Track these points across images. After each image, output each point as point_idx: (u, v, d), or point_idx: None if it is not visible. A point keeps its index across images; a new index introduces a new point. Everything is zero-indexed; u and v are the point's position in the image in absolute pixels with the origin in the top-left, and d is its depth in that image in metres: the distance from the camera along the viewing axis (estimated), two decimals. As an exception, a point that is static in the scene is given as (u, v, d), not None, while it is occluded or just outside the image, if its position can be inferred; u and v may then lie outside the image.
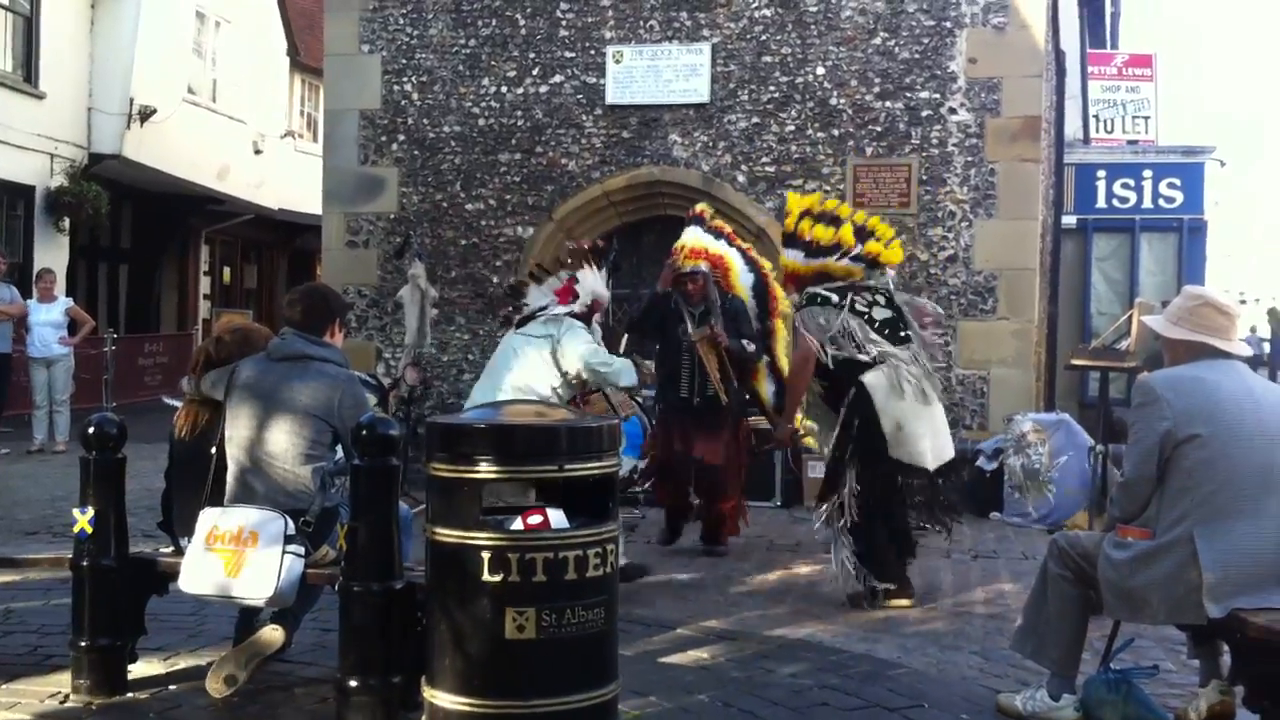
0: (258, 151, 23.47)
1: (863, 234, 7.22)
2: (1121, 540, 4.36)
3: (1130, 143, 17.84)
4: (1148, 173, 16.17)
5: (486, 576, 3.82)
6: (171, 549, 5.32)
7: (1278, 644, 3.85)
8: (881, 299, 7.15)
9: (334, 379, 5.04)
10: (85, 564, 4.98)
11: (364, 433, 4.31)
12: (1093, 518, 9.04)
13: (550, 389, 6.81)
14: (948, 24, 11.14)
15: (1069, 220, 15.70)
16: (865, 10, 11.26)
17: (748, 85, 11.48)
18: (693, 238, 8.24)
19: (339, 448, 5.07)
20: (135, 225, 22.87)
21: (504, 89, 11.93)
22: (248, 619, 5.16)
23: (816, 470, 10.18)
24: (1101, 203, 16.18)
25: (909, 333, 7.09)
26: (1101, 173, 16.16)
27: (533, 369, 6.86)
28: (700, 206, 8.79)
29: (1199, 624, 4.22)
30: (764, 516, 9.62)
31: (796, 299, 7.37)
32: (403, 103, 12.15)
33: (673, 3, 11.60)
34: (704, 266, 8.08)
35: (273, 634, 4.98)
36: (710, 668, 5.32)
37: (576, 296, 7.20)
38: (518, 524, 3.94)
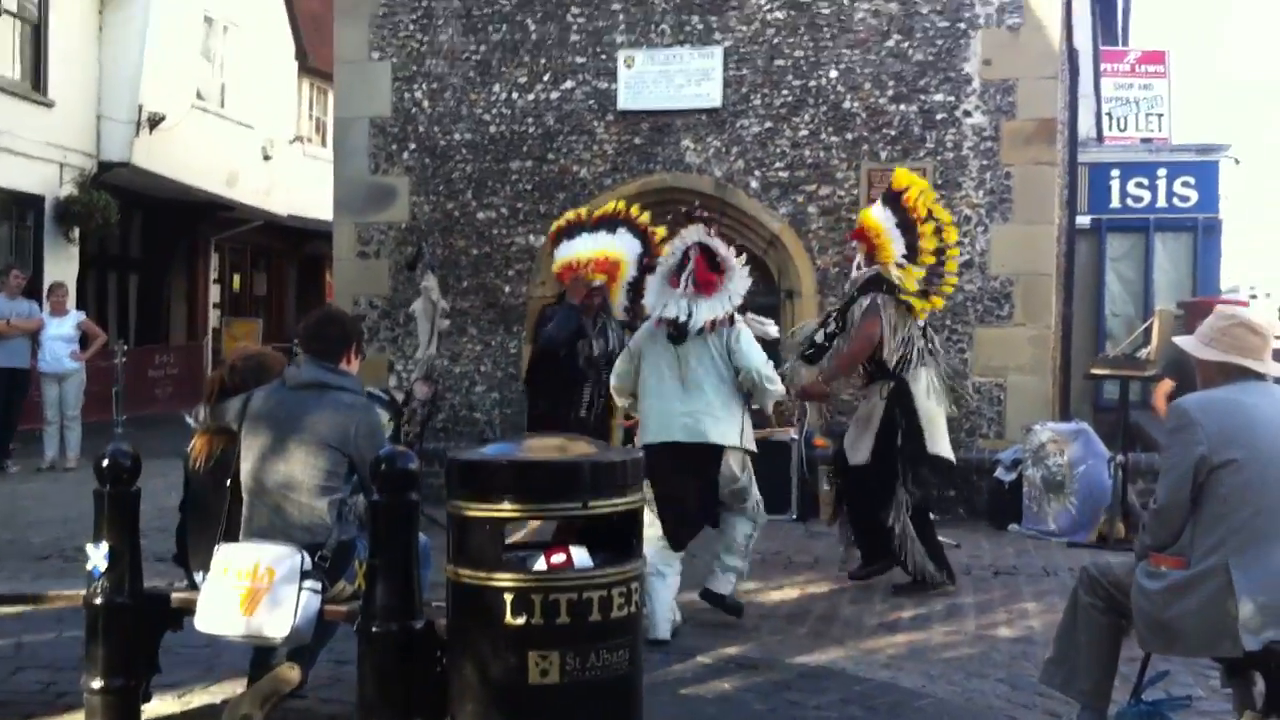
0: (267, 157, 23.41)
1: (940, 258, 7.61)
2: (1154, 569, 4.26)
3: (1144, 141, 17.72)
4: (1162, 171, 16.05)
5: (509, 619, 3.74)
6: (186, 584, 5.24)
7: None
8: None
9: (350, 408, 4.95)
10: (99, 601, 4.90)
11: (383, 467, 4.22)
12: (1112, 528, 8.94)
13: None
14: (962, 25, 11.04)
15: (1083, 220, 15.58)
16: (879, 12, 11.16)
17: (760, 89, 11.39)
18: (599, 247, 7.90)
19: (355, 478, 4.98)
20: (145, 234, 22.82)
21: (515, 95, 11.85)
22: (263, 655, 5.06)
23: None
24: (1116, 202, 16.06)
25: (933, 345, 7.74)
26: (1115, 172, 16.04)
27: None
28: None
29: (1234, 656, 4.12)
30: (780, 531, 9.52)
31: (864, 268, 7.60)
32: (413, 110, 12.08)
33: (684, 6, 11.52)
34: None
35: (288, 672, 4.89)
36: (732, 700, 5.23)
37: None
38: (540, 563, 3.86)
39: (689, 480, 6.37)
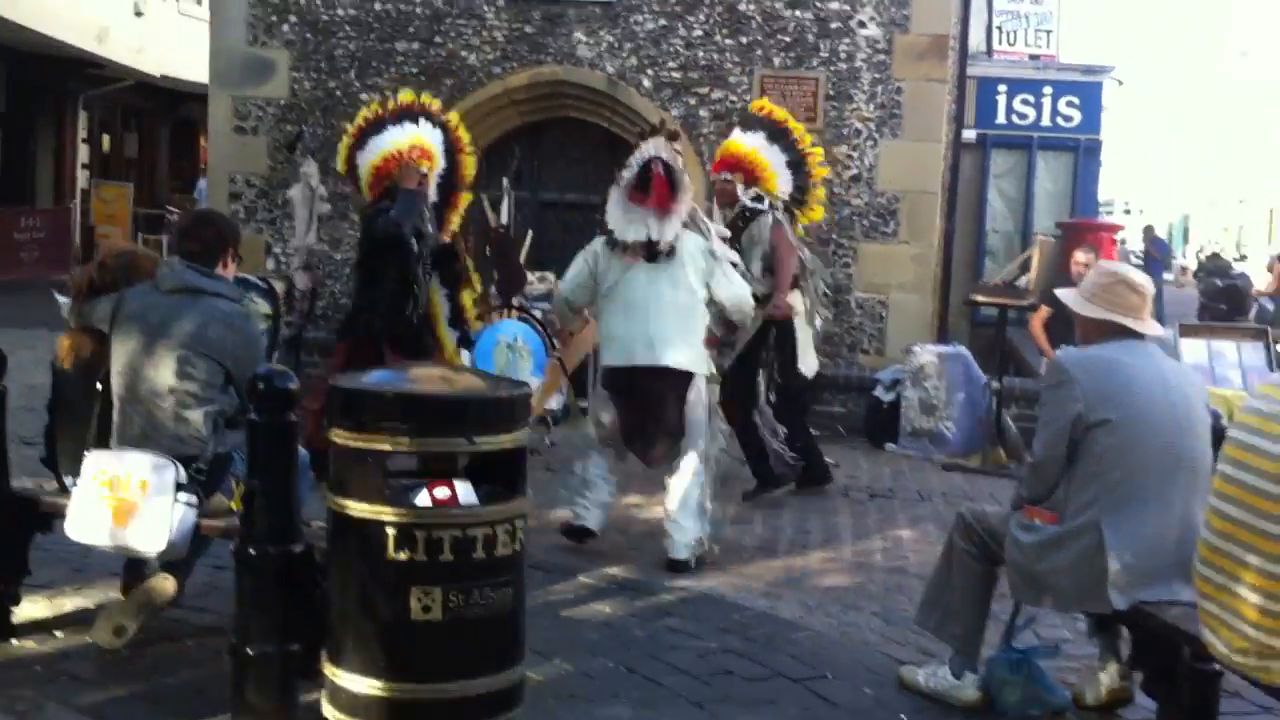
0: (139, 14, 22.45)
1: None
2: (1029, 522, 4.33)
3: (1032, 58, 17.83)
4: (1048, 90, 16.15)
5: (391, 554, 3.67)
6: (56, 486, 5.08)
7: (1179, 639, 3.87)
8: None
9: (227, 315, 4.79)
10: (-37, 503, 4.75)
11: (261, 386, 4.08)
12: (986, 455, 9.14)
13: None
14: (861, -68, 10.91)
15: (969, 135, 15.65)
16: (780, -86, 10.98)
17: (656, -16, 11.17)
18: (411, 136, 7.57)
19: (231, 388, 4.84)
20: (8, 87, 21.84)
21: (403, -27, 11.46)
22: (137, 560, 4.95)
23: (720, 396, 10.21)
24: (1001, 118, 16.14)
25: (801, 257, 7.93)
26: (1002, 88, 16.10)
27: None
28: None
29: (1104, 613, 4.23)
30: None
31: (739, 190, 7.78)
32: (295, -21, 11.61)
33: (583, -110, 11.20)
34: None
35: (163, 583, 4.77)
36: (613, 625, 5.24)
37: None
38: (424, 497, 3.79)
39: (657, 403, 6.29)
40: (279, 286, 9.68)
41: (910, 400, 9.71)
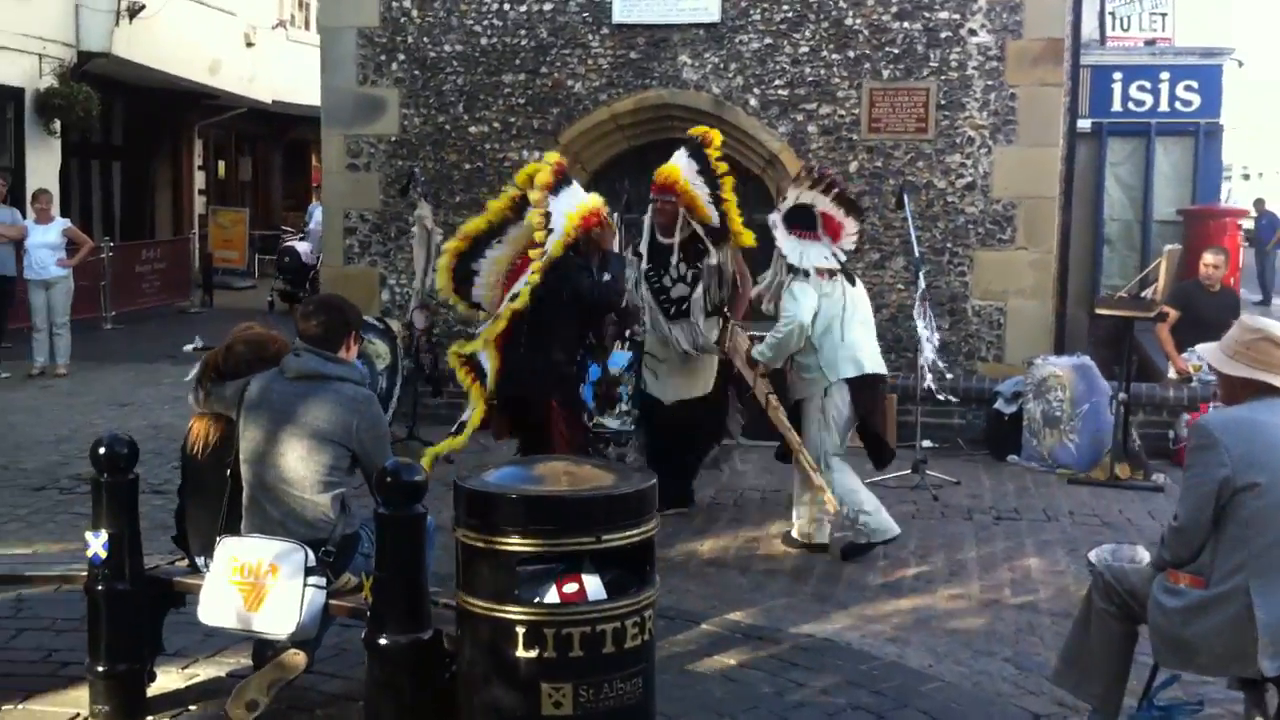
0: (249, 44, 22.94)
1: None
2: (1173, 586, 4.21)
3: (1148, 43, 17.36)
4: (1165, 75, 15.77)
5: (521, 652, 3.70)
6: (187, 563, 5.19)
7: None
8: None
9: (352, 400, 4.83)
10: (100, 588, 4.86)
11: (388, 479, 4.13)
12: (1113, 465, 8.92)
13: None
14: (968, -60, 10.71)
15: (1084, 124, 15.31)
16: (883, -75, 10.82)
17: (760, 4, 11.07)
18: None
19: (358, 469, 4.90)
20: (127, 123, 22.48)
21: (507, 6, 11.51)
22: (266, 637, 5.04)
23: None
24: (1117, 106, 15.80)
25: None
26: (1118, 75, 15.76)
27: None
28: None
29: (1252, 678, 4.10)
30: (776, 462, 9.46)
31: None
32: (402, 20, 11.74)
33: (683, -85, 11.14)
34: None
35: (294, 658, 4.85)
36: (738, 679, 5.21)
37: None
38: (552, 593, 3.79)
39: (880, 406, 7.40)
40: (396, 326, 9.85)
41: (1033, 413, 9.51)
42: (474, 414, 7.48)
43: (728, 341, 7.69)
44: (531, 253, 7.23)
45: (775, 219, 7.33)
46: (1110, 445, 9.03)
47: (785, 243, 7.18)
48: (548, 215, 7.20)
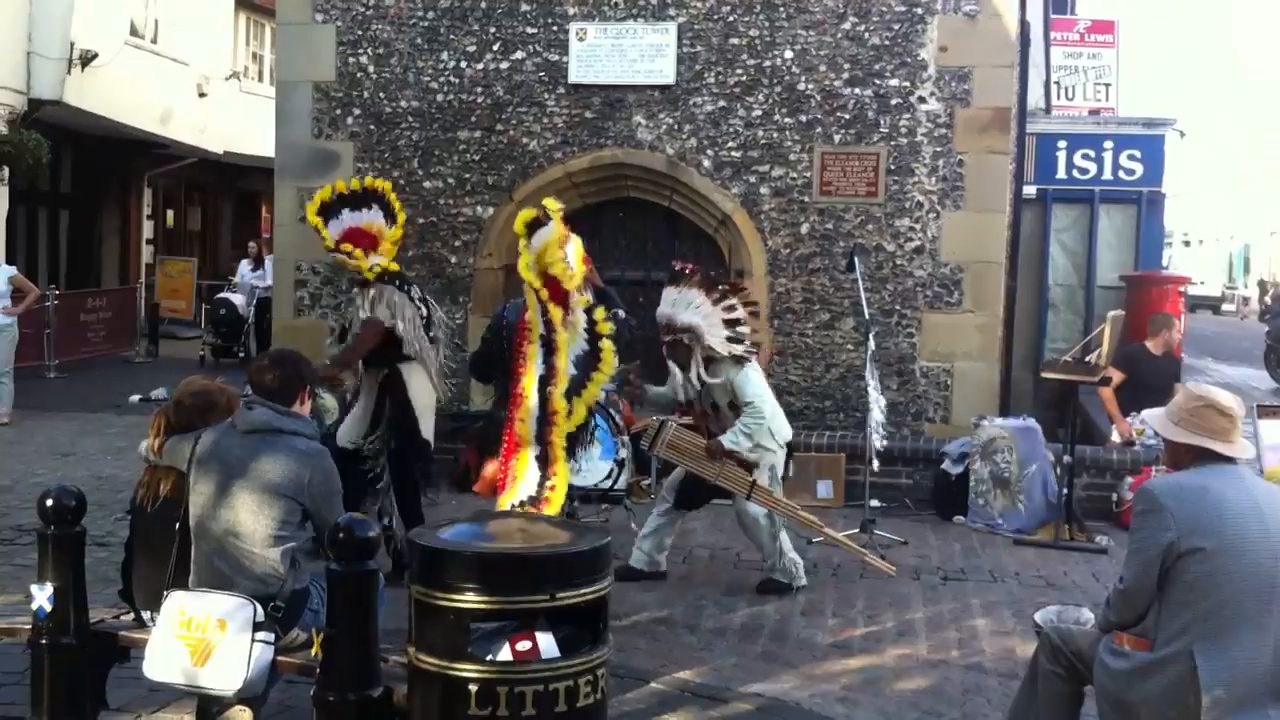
0: (202, 94, 22.91)
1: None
2: (1119, 648, 4.26)
3: (1092, 112, 17.71)
4: (1109, 144, 16.01)
5: (474, 710, 3.69)
6: (132, 617, 5.14)
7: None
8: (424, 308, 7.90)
9: (305, 454, 4.82)
10: (44, 642, 4.81)
11: (340, 535, 4.12)
12: (1057, 530, 9.02)
13: None
14: (919, 10, 10.91)
15: (1029, 190, 15.56)
16: (836, -7, 11.01)
17: (714, 67, 11.21)
18: None
19: (309, 524, 4.87)
20: (76, 171, 22.34)
21: (464, 64, 11.59)
22: (214, 690, 4.98)
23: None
24: (1062, 173, 16.02)
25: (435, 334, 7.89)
26: (1062, 143, 15.98)
27: None
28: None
29: (1196, 740, 4.15)
30: (726, 520, 9.48)
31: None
32: (358, 75, 11.78)
33: (638, -21, 11.29)
34: None
35: (240, 715, 4.82)
36: (687, 742, 5.22)
37: None
38: (505, 651, 3.79)
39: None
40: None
41: (980, 474, 9.60)
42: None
43: (660, 446, 7.69)
44: (581, 297, 6.70)
45: (695, 321, 7.44)
46: (1056, 506, 9.12)
47: (715, 341, 7.44)
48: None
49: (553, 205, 6.90)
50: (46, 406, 14.44)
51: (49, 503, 4.82)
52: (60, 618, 4.81)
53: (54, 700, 4.80)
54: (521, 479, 6.24)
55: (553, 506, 6.40)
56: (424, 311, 7.80)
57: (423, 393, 7.73)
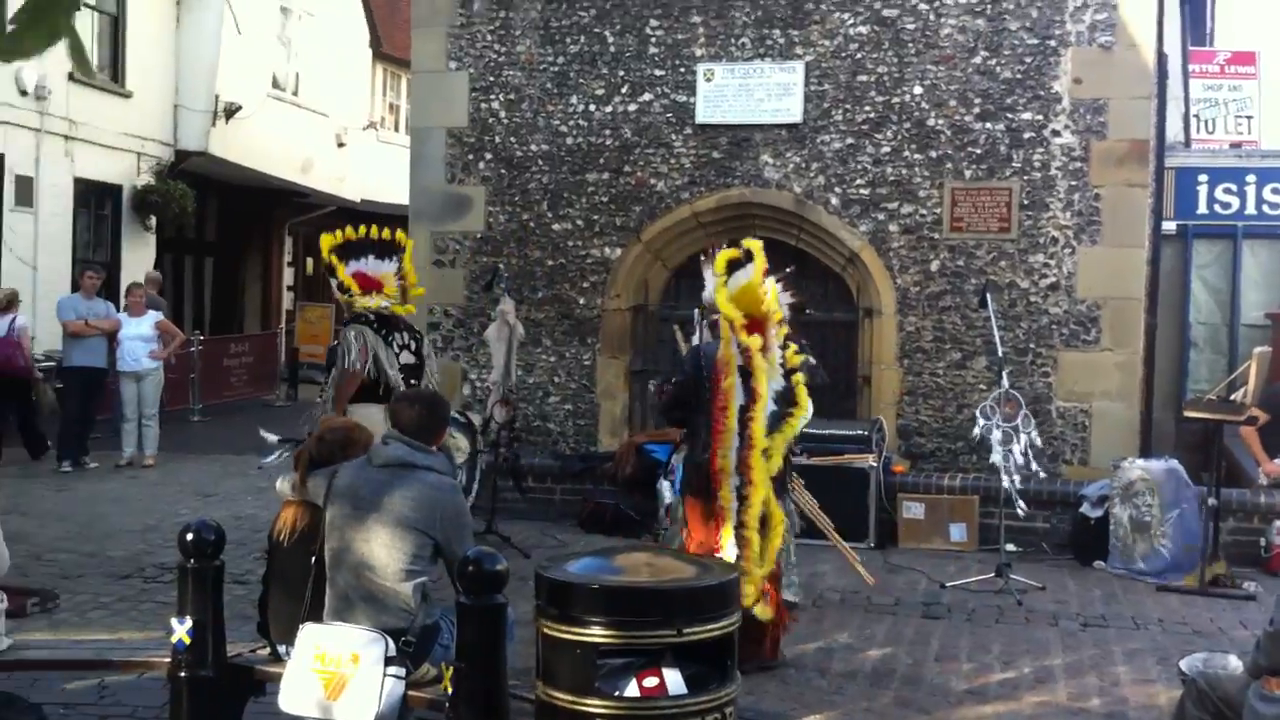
0: (340, 144, 23.52)
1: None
2: (1270, 694, 4.10)
3: (1233, 145, 17.23)
4: (1251, 177, 15.55)
5: (601, 746, 3.66)
6: (268, 651, 5.22)
7: None
8: (413, 344, 8.45)
9: (436, 489, 4.87)
10: (183, 674, 4.90)
11: (470, 568, 4.15)
12: (1204, 572, 8.72)
13: None
14: (1052, 43, 10.75)
15: (1169, 226, 15.18)
16: (965, 28, 10.89)
17: (842, 105, 11.17)
18: None
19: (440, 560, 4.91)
20: (220, 219, 23.05)
21: (592, 107, 11.73)
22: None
23: (912, 510, 10.02)
24: (1203, 208, 15.60)
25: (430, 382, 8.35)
26: (1203, 177, 15.57)
27: None
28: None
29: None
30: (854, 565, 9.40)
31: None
32: (490, 120, 11.99)
33: (765, 20, 11.30)
34: None
35: (373, 749, 4.85)
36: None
37: None
38: (633, 687, 3.76)
39: None
40: (476, 420, 9.93)
41: (1120, 518, 9.33)
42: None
43: None
44: (781, 329, 6.75)
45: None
46: (1201, 551, 8.82)
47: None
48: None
49: (754, 245, 6.94)
50: (190, 448, 14.86)
51: (189, 537, 4.92)
52: (198, 651, 4.90)
53: (192, 731, 4.88)
54: (725, 548, 6.35)
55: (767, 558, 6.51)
56: (397, 354, 8.26)
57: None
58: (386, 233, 8.47)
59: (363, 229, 8.47)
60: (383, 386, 8.07)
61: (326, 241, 8.26)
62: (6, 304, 13.36)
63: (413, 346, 8.39)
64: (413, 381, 8.17)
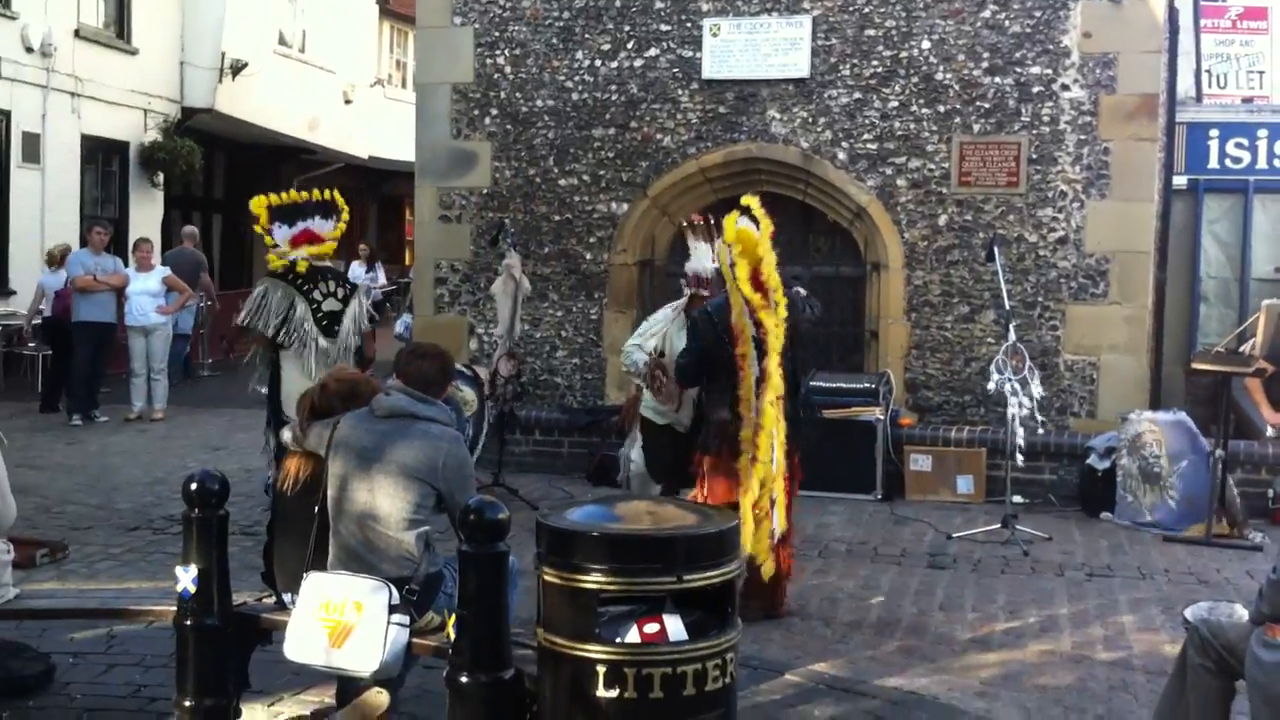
0: (348, 101, 23.45)
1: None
2: (1272, 640, 4.10)
3: (1245, 100, 17.07)
4: (1262, 132, 15.43)
5: (601, 692, 3.69)
6: (275, 601, 5.25)
7: None
8: (341, 292, 8.48)
9: (439, 439, 4.88)
10: (189, 623, 4.92)
11: (471, 517, 4.15)
12: (1210, 527, 8.72)
13: None
14: (1061, -4, 10.66)
15: (1180, 181, 15.09)
16: (974, -18, 10.81)
17: (849, 59, 11.09)
18: None
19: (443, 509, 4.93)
20: (227, 176, 23.03)
21: (598, 63, 11.66)
22: (352, 672, 5.05)
23: (919, 463, 10.03)
24: (1214, 163, 15.50)
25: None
26: (1214, 132, 15.46)
27: None
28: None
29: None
30: (864, 514, 9.42)
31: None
32: (495, 76, 11.92)
33: (772, -28, 11.23)
34: None
35: (377, 697, 4.88)
36: (825, 735, 5.16)
37: None
38: (633, 633, 3.78)
39: None
40: (483, 373, 9.95)
41: (1128, 469, 9.32)
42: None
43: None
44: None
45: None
46: (1207, 502, 8.82)
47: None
48: None
49: (752, 201, 6.86)
50: (199, 403, 14.90)
51: (193, 486, 4.93)
52: (204, 599, 4.91)
53: (198, 681, 4.89)
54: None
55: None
56: (321, 300, 8.40)
57: (290, 379, 8.36)
58: (328, 194, 8.56)
59: (304, 193, 8.63)
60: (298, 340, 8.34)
61: (259, 203, 8.32)
62: (60, 258, 14.03)
63: (339, 294, 8.47)
64: (336, 328, 8.38)
